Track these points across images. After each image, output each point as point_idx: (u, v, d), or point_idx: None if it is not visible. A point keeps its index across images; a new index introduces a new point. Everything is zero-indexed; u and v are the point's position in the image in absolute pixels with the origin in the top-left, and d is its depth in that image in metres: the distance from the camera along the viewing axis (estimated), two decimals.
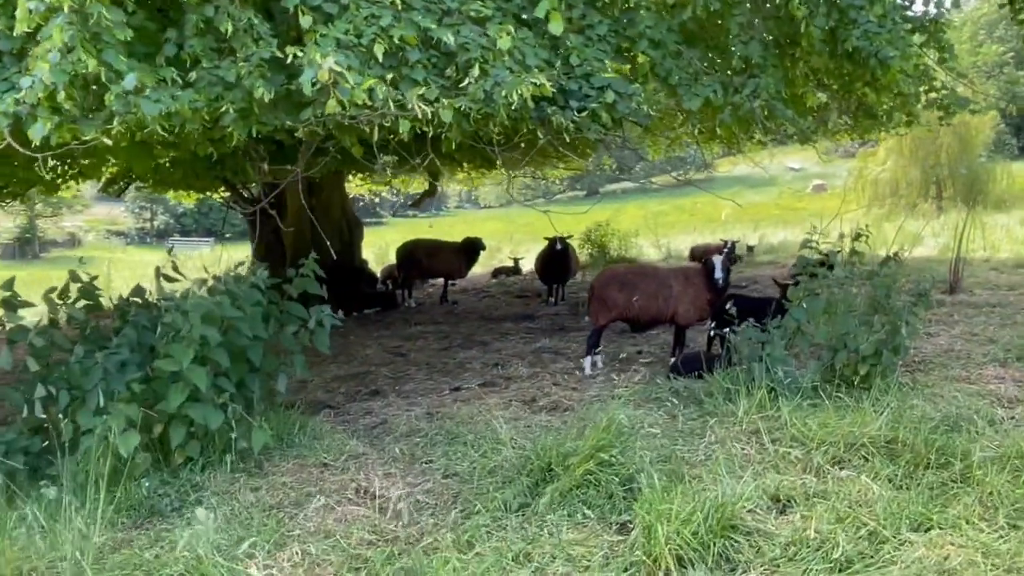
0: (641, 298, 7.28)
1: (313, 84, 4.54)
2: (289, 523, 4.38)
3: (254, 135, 5.17)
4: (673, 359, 7.30)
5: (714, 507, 3.90)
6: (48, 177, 10.43)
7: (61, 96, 4.08)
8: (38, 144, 4.15)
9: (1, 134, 4.22)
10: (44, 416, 5.03)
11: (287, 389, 6.00)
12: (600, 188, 57.88)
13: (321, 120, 5.15)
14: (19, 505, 4.60)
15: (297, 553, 4.00)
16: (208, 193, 14.64)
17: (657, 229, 24.95)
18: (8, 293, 5.11)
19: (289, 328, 6.06)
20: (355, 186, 18.37)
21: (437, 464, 5.27)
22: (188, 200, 17.29)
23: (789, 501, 4.24)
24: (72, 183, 11.64)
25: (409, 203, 20.36)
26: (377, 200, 22.33)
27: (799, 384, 5.93)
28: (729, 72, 7.11)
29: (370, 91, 4.90)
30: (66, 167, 10.08)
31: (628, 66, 7.29)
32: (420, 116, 5.35)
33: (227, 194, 13.54)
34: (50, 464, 4.96)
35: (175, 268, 5.78)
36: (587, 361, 7.53)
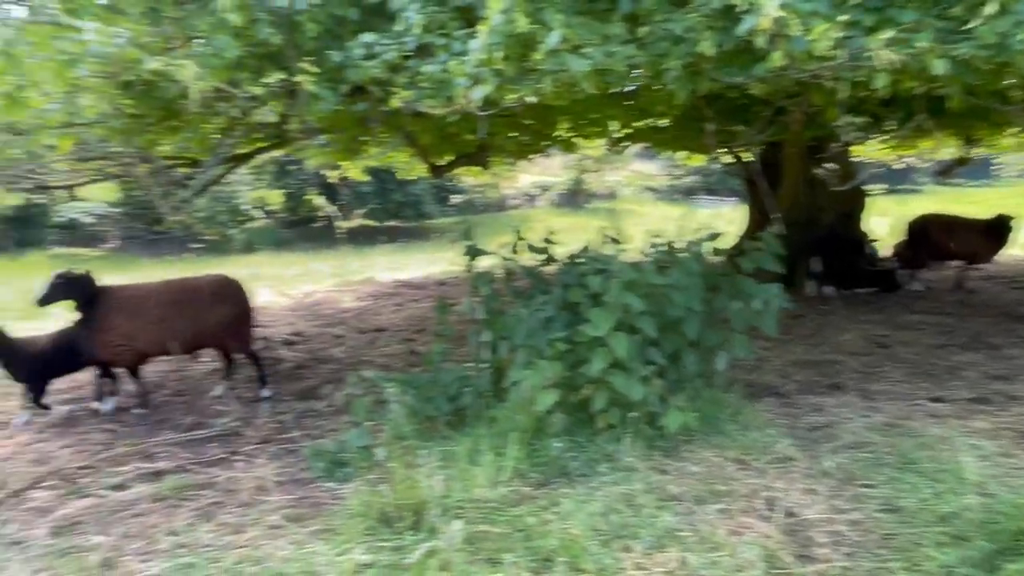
0: None
1: (753, 33, 3.93)
2: (680, 521, 4.01)
3: (699, 93, 4.75)
4: None
5: None
6: (563, 137, 11.47)
7: (499, 55, 4.17)
8: (479, 104, 4.32)
9: (460, 94, 4.48)
10: (488, 362, 5.43)
11: (727, 366, 5.61)
12: None
13: (777, 76, 4.50)
14: (456, 440, 5.02)
15: (675, 560, 3.63)
16: (710, 155, 14.52)
17: None
18: (470, 242, 5.55)
19: (735, 305, 5.62)
20: (875, 151, 16.58)
21: (876, 492, 4.36)
22: (696, 161, 17.48)
23: None
24: (585, 141, 12.53)
25: (937, 171, 17.71)
26: (905, 165, 19.88)
27: None
28: None
29: (834, 41, 4.10)
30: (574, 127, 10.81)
31: None
32: (902, 68, 4.36)
33: (727, 156, 13.24)
34: (491, 406, 5.32)
35: (619, 232, 5.71)
36: None
